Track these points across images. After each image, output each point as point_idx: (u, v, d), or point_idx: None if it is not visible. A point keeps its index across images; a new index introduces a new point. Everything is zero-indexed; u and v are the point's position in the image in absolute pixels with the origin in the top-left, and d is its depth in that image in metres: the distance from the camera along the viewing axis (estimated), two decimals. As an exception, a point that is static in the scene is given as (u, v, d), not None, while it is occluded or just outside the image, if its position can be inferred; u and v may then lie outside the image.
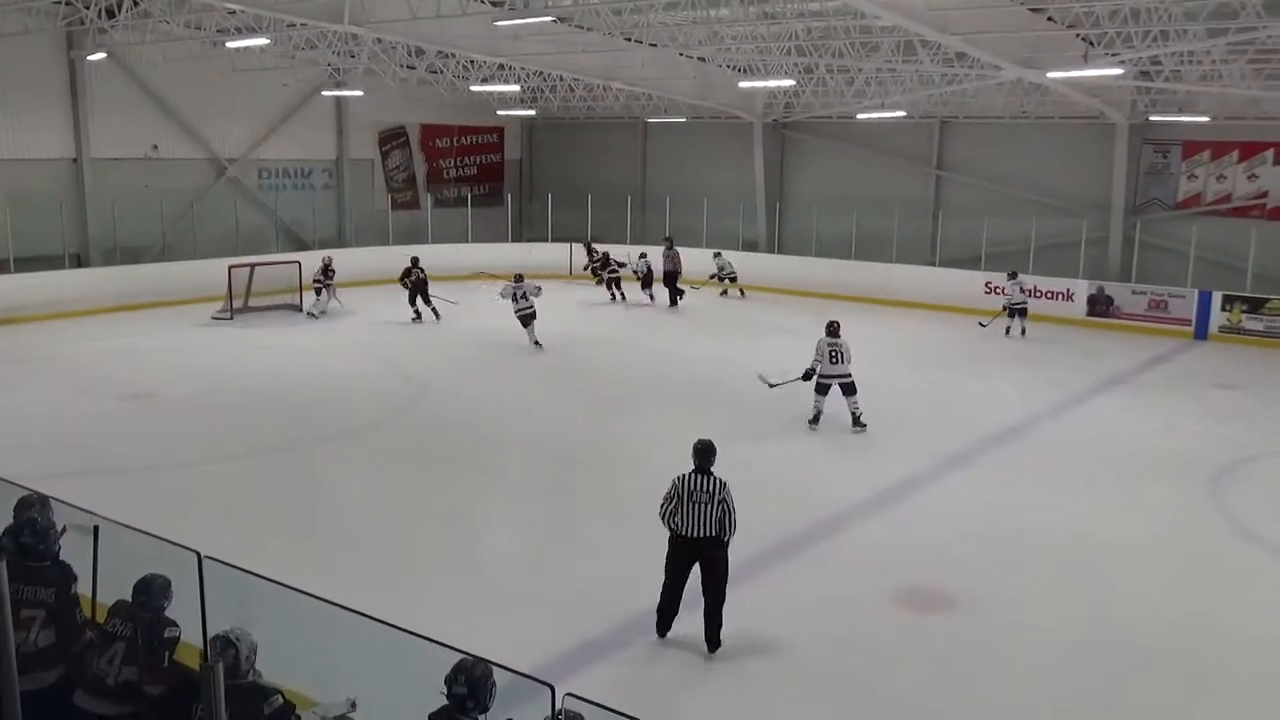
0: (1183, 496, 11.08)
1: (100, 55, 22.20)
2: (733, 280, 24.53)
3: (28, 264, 20.74)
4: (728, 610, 7.36)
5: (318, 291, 21.28)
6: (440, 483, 11.31)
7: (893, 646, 7.68)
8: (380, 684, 4.80)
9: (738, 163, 28.28)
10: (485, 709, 4.17)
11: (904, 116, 24.92)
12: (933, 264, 24.09)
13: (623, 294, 23.69)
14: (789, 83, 23.29)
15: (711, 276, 24.39)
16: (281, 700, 4.34)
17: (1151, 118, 22.45)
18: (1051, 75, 17.82)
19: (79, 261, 22.62)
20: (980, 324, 20.02)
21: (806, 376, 13.15)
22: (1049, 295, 22.05)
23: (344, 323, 20.61)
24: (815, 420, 13.34)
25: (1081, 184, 23.79)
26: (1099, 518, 10.39)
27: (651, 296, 23.42)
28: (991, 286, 21.68)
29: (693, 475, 7.34)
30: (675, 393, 15.49)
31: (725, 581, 7.37)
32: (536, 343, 17.94)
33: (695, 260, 24.38)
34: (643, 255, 23.62)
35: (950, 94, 23.37)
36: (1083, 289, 21.86)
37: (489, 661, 3.95)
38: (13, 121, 21.72)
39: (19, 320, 19.31)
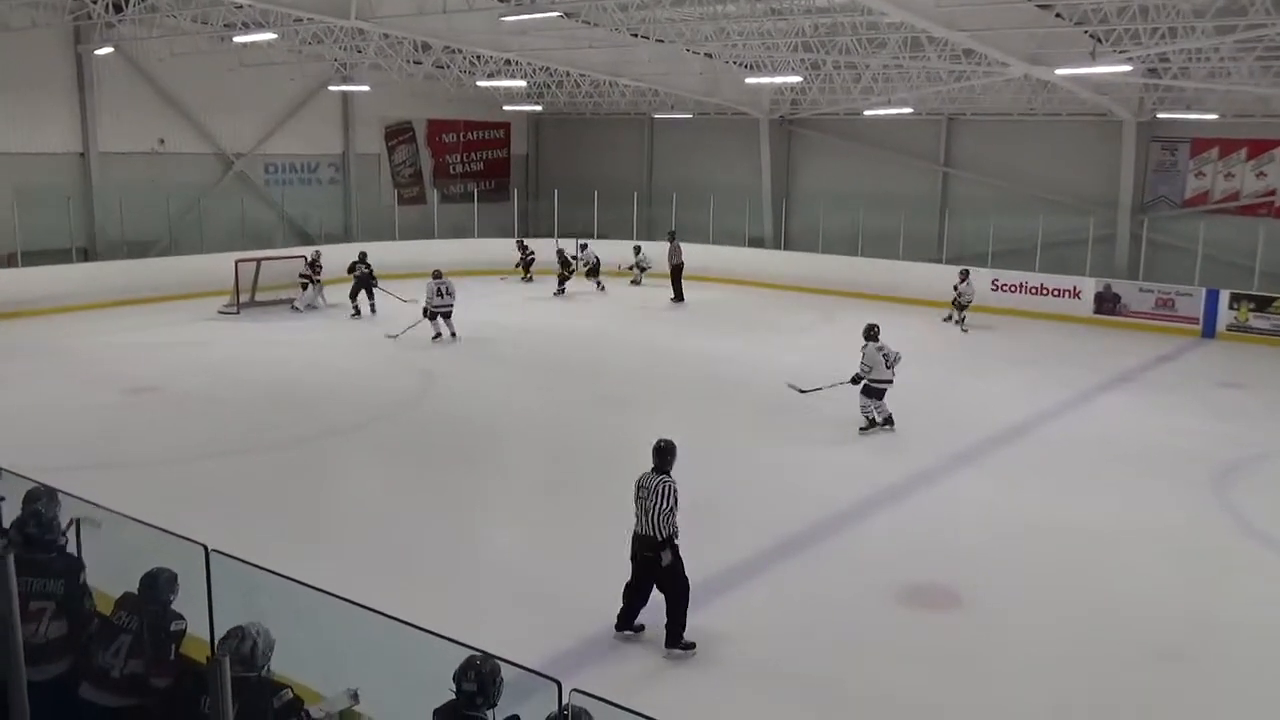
0: (1188, 495, 11.05)
1: (107, 50, 22.25)
2: (643, 270, 25.41)
3: (35, 258, 20.79)
4: (728, 606, 7.36)
5: (304, 286, 21.30)
6: (444, 478, 11.33)
7: (895, 644, 7.67)
8: (386, 679, 4.80)
9: (744, 159, 28.26)
10: (493, 705, 4.18)
11: (911, 113, 24.90)
12: (939, 261, 24.05)
13: (600, 284, 24.55)
14: (796, 79, 23.28)
15: (630, 267, 25.37)
16: (291, 695, 4.35)
17: (1159, 115, 22.39)
18: (1059, 72, 17.76)
19: (86, 256, 22.68)
20: (947, 320, 20.76)
21: (855, 381, 12.88)
22: (1056, 293, 22.01)
23: (349, 318, 20.60)
24: (871, 425, 12.97)
25: (1089, 181, 23.73)
26: (1104, 515, 10.37)
27: (600, 285, 24.42)
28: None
29: (647, 473, 7.39)
30: (679, 389, 15.47)
31: (676, 582, 7.27)
32: (453, 334, 18.27)
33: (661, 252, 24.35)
34: (584, 245, 24.44)
35: (958, 90, 23.31)
36: (1090, 287, 21.80)
37: (496, 658, 3.96)
38: (20, 116, 21.77)
39: (26, 314, 19.36)
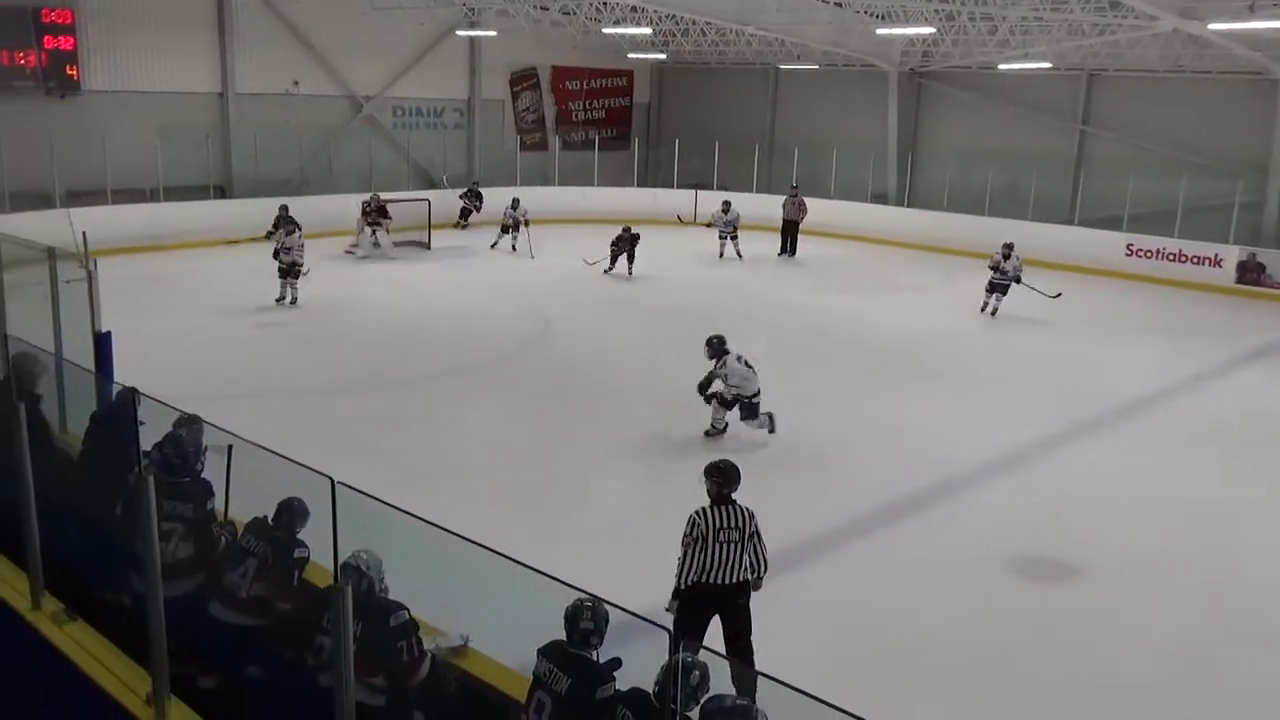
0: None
1: (247, -9, 22.89)
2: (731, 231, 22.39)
3: (175, 194, 21.68)
4: (833, 566, 7.28)
5: (373, 230, 20.94)
6: (561, 423, 11.50)
7: (1006, 614, 7.53)
8: (494, 615, 4.93)
9: (870, 113, 27.54)
10: (600, 646, 4.26)
11: (1049, 68, 23.88)
12: (1071, 223, 23.17)
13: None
14: (929, 30, 22.51)
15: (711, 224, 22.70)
16: (407, 615, 4.51)
17: (1321, 74, 21.04)
18: (1212, 27, 16.78)
19: (222, 193, 23.52)
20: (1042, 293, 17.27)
21: (715, 398, 10.78)
22: (1195, 260, 21.01)
23: (474, 260, 20.96)
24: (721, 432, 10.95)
25: (1238, 144, 22.41)
26: (1233, 490, 9.99)
27: (736, 252, 22.22)
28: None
29: (714, 510, 5.99)
30: (791, 343, 15.35)
31: (751, 633, 6.07)
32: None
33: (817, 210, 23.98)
34: (515, 200, 22.19)
35: (1100, 45, 22.26)
36: (1233, 255, 20.71)
37: (607, 602, 4.02)
38: (165, 56, 22.57)
39: (166, 247, 20.24)
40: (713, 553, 5.87)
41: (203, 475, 5.60)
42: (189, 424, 5.65)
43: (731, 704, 3.60)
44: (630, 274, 19.62)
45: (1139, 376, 14.00)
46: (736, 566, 5.91)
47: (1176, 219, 21.54)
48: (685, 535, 5.97)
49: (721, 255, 22.27)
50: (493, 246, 22.08)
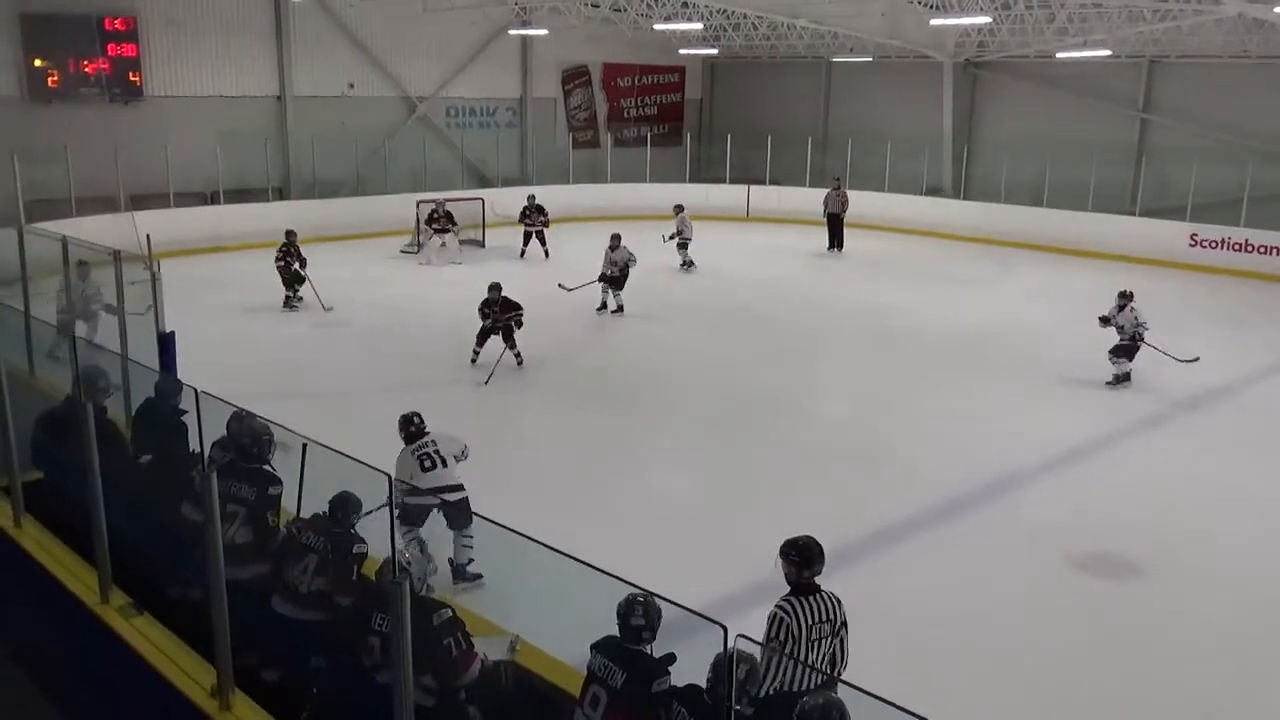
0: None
1: (304, -4, 23.23)
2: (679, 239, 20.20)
3: (235, 196, 22.07)
4: (891, 562, 7.19)
5: (441, 238, 20.42)
6: (612, 421, 11.53)
7: (1068, 611, 7.42)
8: (546, 610, 4.96)
9: (925, 104, 27.18)
10: (653, 640, 4.26)
11: (1109, 56, 23.39)
12: (1132, 214, 22.70)
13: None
14: (985, 20, 22.18)
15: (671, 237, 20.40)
16: (450, 613, 4.55)
17: (1394, 57, 20.39)
18: (1279, 10, 16.37)
19: (281, 195, 23.89)
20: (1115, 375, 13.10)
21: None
22: (1262, 250, 20.48)
23: (528, 260, 21.03)
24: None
25: (1307, 130, 21.85)
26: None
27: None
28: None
29: (801, 602, 4.76)
30: (844, 338, 15.25)
31: None
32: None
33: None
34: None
35: (1161, 31, 21.78)
36: (1301, 244, 20.17)
37: (660, 597, 4.02)
38: (225, 61, 23.02)
39: (227, 249, 20.62)
40: (803, 655, 4.71)
41: (265, 468, 5.74)
42: (245, 418, 5.80)
43: (825, 700, 3.57)
44: (546, 256, 20.17)
45: (1205, 370, 13.67)
46: (820, 664, 4.81)
47: (1242, 208, 20.98)
48: (769, 638, 4.69)
49: (686, 264, 20.06)
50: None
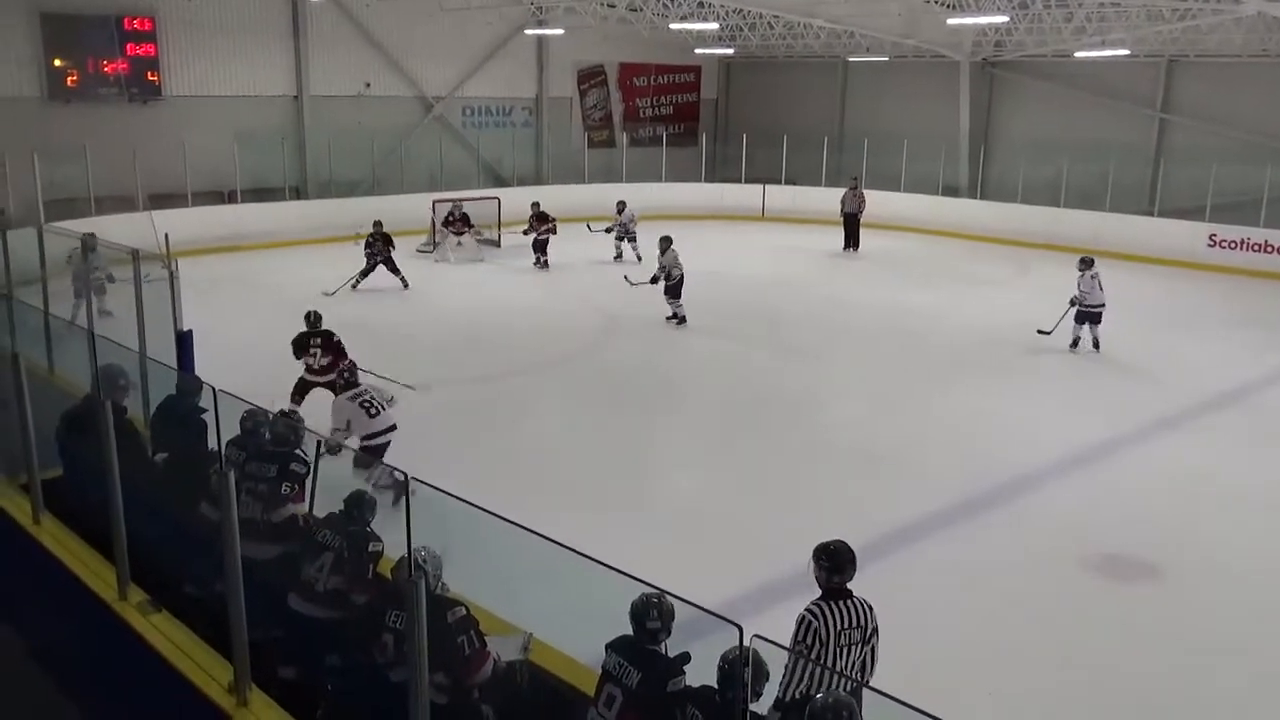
0: None
1: (321, -4, 23.32)
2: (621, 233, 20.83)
3: (252, 195, 22.18)
4: (907, 563, 7.17)
5: (458, 238, 20.67)
6: (626, 420, 11.53)
7: (1083, 613, 7.38)
8: (562, 609, 4.96)
9: (942, 104, 27.10)
10: (665, 641, 4.26)
11: (1127, 55, 23.25)
12: (1151, 214, 22.57)
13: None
14: (1002, 19, 22.06)
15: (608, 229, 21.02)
16: (464, 611, 4.56)
17: None
18: (1300, 9, 16.26)
19: (298, 194, 23.99)
20: (1040, 331, 14.58)
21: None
22: (1282, 251, 20.36)
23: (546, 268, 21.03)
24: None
25: (1328, 130, 21.68)
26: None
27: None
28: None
29: (831, 606, 4.67)
30: (860, 338, 15.21)
31: None
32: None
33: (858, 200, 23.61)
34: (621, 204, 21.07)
35: (1180, 31, 21.65)
36: (1322, 245, 20.02)
37: (675, 596, 4.02)
38: (242, 61, 23.14)
39: (244, 248, 20.72)
40: (830, 661, 4.66)
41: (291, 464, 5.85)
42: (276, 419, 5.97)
43: (835, 699, 3.57)
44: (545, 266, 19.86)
45: (1223, 371, 13.61)
46: (849, 671, 4.71)
47: (1262, 208, 20.84)
48: (796, 640, 4.64)
49: (619, 257, 20.47)
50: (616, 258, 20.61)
